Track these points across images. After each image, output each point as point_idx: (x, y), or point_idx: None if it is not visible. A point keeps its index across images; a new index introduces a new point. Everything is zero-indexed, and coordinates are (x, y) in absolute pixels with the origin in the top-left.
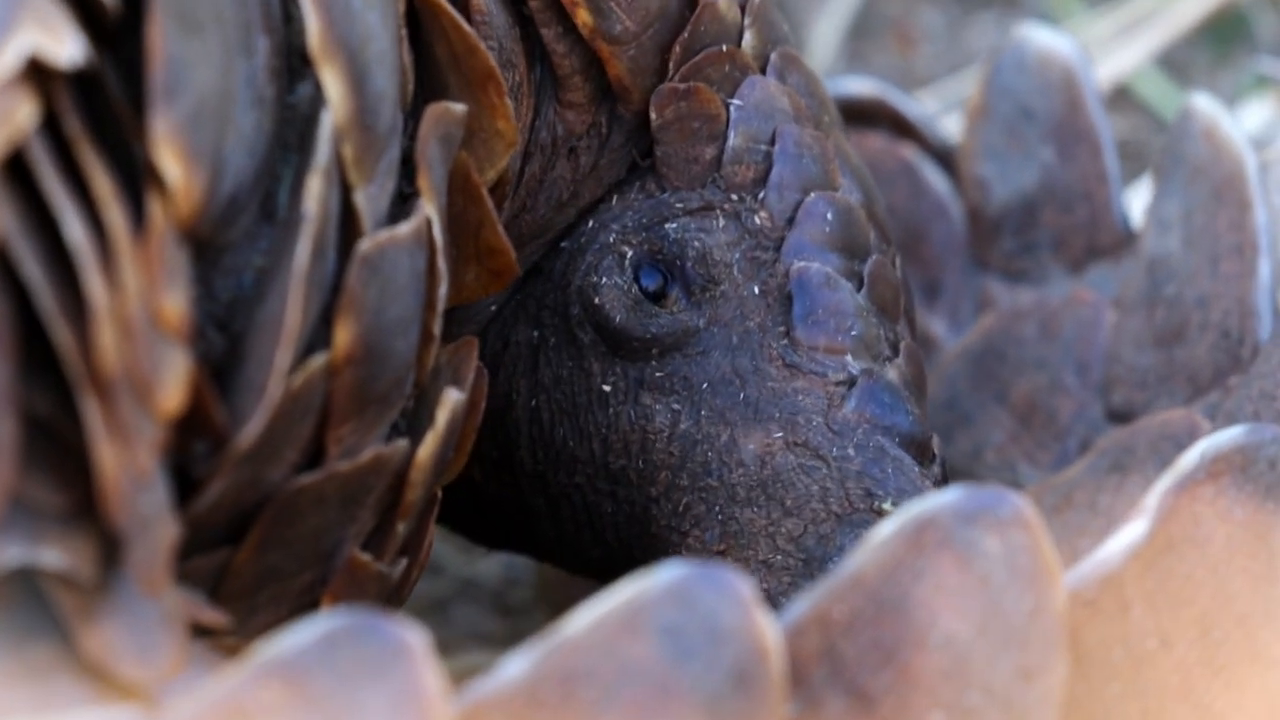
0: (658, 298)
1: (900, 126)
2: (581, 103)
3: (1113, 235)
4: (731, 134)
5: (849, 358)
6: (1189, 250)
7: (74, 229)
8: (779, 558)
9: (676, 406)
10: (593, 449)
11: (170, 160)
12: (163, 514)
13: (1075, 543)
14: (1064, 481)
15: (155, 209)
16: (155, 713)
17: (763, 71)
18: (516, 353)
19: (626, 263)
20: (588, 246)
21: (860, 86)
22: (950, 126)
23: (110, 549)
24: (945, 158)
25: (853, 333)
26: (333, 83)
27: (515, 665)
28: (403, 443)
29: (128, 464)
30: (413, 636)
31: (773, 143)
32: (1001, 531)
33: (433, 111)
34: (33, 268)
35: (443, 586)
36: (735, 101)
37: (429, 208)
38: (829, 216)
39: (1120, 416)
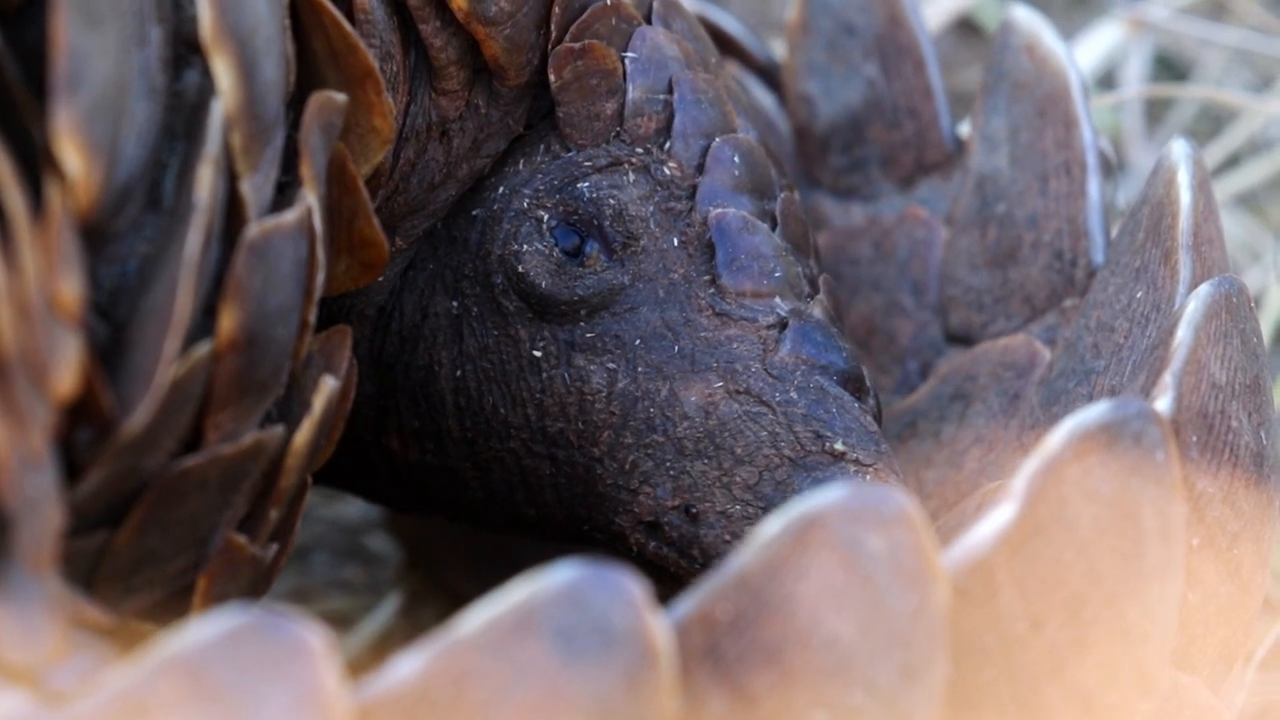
0: (576, 257)
1: (722, 42)
2: (456, 89)
3: (941, 151)
4: (630, 87)
5: (777, 300)
6: (1017, 168)
7: None
8: (737, 507)
9: (612, 365)
10: (527, 414)
11: (71, 152)
12: (50, 496)
13: (921, 474)
14: (907, 408)
15: (54, 197)
16: (57, 707)
17: (648, 21)
18: (436, 324)
19: (544, 227)
20: (502, 214)
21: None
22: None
23: None
24: (769, 74)
25: (776, 274)
26: (224, 71)
27: (408, 664)
28: (279, 429)
29: (20, 445)
30: (313, 635)
31: (670, 91)
32: (886, 530)
33: (316, 100)
34: None
35: (301, 534)
36: (629, 55)
37: (310, 196)
38: (736, 160)
39: (959, 338)
